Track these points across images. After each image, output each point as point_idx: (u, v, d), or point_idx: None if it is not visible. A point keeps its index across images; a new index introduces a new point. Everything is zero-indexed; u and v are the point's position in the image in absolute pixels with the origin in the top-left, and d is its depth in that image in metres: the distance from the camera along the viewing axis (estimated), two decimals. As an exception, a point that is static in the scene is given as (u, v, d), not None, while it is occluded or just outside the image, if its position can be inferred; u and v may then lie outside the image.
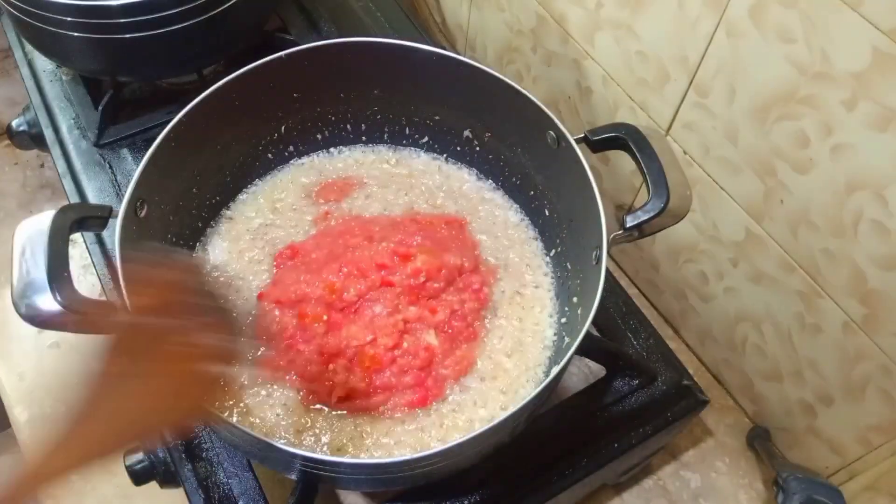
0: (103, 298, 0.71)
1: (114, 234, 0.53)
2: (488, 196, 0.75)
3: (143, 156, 0.58)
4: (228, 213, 0.72)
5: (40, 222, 0.52)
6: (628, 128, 0.60)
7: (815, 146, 0.60)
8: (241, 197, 0.73)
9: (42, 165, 1.07)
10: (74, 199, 0.77)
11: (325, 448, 0.57)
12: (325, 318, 0.61)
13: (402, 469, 0.53)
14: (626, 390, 0.68)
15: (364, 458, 0.57)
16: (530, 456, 0.63)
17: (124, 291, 0.42)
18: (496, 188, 0.75)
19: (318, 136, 0.75)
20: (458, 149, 0.76)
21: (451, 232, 0.69)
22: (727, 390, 0.85)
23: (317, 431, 0.59)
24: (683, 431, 0.78)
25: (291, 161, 0.76)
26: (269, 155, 0.74)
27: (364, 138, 0.77)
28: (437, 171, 0.76)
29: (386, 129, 0.76)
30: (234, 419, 0.52)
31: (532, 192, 0.71)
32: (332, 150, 0.77)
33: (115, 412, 0.38)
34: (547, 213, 0.70)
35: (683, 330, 0.89)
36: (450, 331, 0.63)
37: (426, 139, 0.76)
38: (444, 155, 0.77)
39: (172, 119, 0.60)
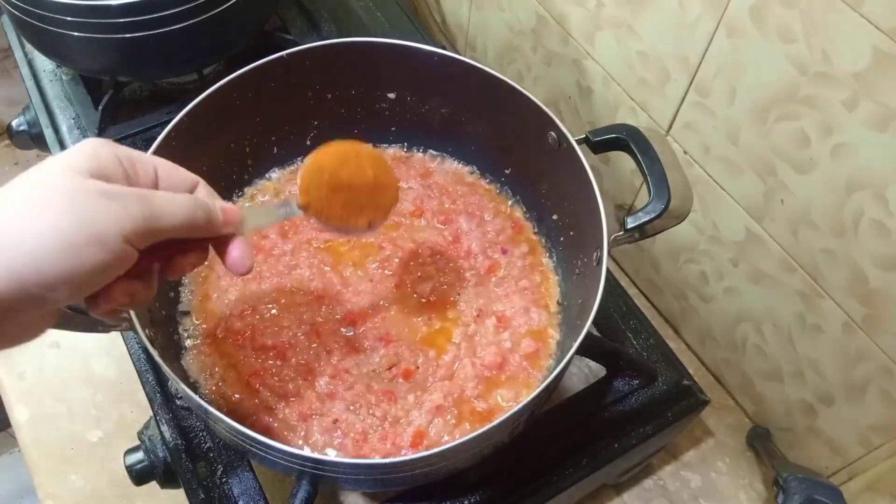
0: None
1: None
2: (488, 196, 0.75)
3: (143, 156, 0.58)
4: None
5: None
6: (629, 129, 0.60)
7: (815, 146, 0.60)
8: (242, 198, 0.73)
9: (42, 165, 1.07)
10: (74, 198, 0.77)
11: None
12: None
13: (402, 469, 0.53)
14: (627, 390, 0.68)
15: (364, 459, 0.57)
16: (530, 456, 0.63)
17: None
18: (496, 187, 0.75)
19: (318, 137, 0.75)
20: (459, 148, 0.76)
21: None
22: (727, 390, 0.85)
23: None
24: (683, 431, 0.78)
25: (292, 161, 0.76)
26: (270, 155, 0.74)
27: (364, 138, 0.77)
28: (438, 170, 0.76)
29: (385, 129, 0.76)
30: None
31: (532, 192, 0.71)
32: (332, 149, 0.77)
33: None
34: (547, 212, 0.70)
35: (684, 330, 0.89)
36: None
37: (426, 138, 0.76)
38: (445, 154, 0.77)
39: (173, 119, 0.60)
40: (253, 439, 0.48)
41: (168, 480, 0.62)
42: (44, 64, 0.89)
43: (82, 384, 0.82)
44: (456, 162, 0.77)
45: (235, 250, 0.46)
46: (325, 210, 0.53)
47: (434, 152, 0.77)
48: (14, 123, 0.88)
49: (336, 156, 0.53)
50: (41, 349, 0.84)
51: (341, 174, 0.53)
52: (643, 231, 0.56)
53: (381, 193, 0.56)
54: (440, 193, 0.73)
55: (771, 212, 0.67)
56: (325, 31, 0.94)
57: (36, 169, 0.38)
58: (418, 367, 0.62)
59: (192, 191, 0.45)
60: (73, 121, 0.84)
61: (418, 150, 0.77)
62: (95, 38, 0.73)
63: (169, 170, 0.44)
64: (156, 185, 0.43)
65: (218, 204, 0.45)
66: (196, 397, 0.50)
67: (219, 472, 0.62)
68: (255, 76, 0.64)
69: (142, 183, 0.42)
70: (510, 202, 0.74)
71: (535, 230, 0.72)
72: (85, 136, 0.82)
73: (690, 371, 0.71)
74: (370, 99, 0.73)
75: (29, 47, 0.89)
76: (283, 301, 0.65)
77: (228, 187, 0.72)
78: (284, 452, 0.49)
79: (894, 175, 0.55)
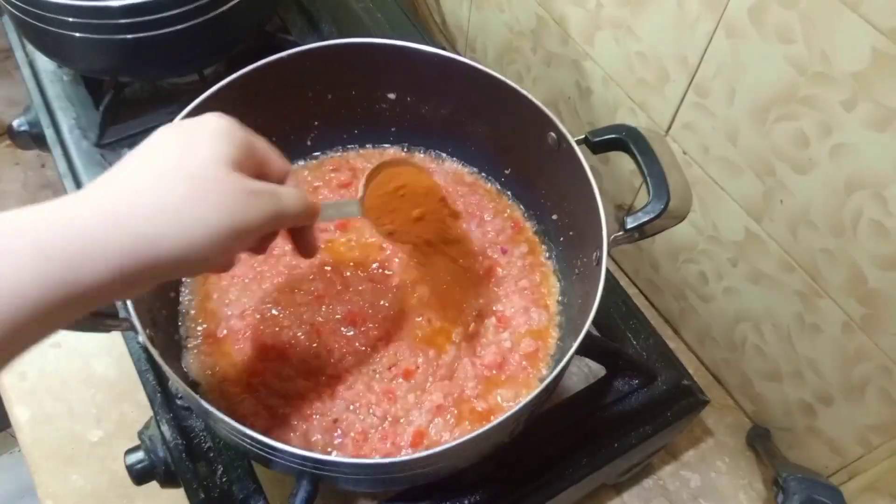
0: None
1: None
2: (488, 196, 0.75)
3: (143, 156, 0.58)
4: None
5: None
6: (629, 129, 0.60)
7: (814, 146, 0.60)
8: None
9: (43, 166, 1.07)
10: (75, 199, 0.77)
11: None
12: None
13: (402, 469, 0.53)
14: (626, 390, 0.68)
15: (364, 458, 0.57)
16: (530, 456, 0.64)
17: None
18: (496, 187, 0.75)
19: (319, 138, 0.75)
20: (459, 148, 0.76)
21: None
22: (727, 390, 0.85)
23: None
24: (683, 431, 0.78)
25: (292, 161, 0.76)
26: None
27: (364, 139, 0.77)
28: (438, 170, 0.76)
29: (385, 129, 0.76)
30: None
31: (532, 193, 0.71)
32: (332, 151, 0.77)
33: None
34: (547, 212, 0.70)
35: (683, 330, 0.89)
36: None
37: (426, 139, 0.76)
38: (445, 154, 0.77)
39: (173, 119, 0.60)
40: (253, 439, 0.48)
41: (168, 480, 0.62)
42: (45, 64, 0.89)
43: (82, 384, 0.82)
44: (456, 162, 0.77)
45: (311, 239, 0.52)
46: (381, 216, 0.59)
47: (434, 152, 0.77)
48: (15, 124, 0.88)
49: (392, 176, 0.60)
50: (41, 349, 0.83)
51: (398, 191, 0.60)
52: (643, 231, 0.57)
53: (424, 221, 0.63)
54: (440, 193, 0.73)
55: (770, 212, 0.67)
56: (325, 32, 0.94)
57: (180, 155, 0.40)
58: (418, 367, 0.62)
59: (286, 178, 0.48)
60: (73, 121, 0.84)
61: (418, 151, 0.77)
62: (96, 38, 0.73)
63: (276, 157, 0.47)
64: (266, 170, 0.46)
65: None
66: (196, 397, 0.50)
67: (219, 472, 0.62)
68: (255, 77, 0.64)
69: (258, 167, 0.44)
70: (510, 202, 0.74)
71: (535, 230, 0.72)
72: (86, 137, 0.83)
73: (690, 371, 0.71)
74: (370, 99, 0.73)
75: (30, 48, 0.89)
76: (283, 301, 0.65)
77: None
78: (284, 452, 0.49)
79: (894, 175, 0.55)
